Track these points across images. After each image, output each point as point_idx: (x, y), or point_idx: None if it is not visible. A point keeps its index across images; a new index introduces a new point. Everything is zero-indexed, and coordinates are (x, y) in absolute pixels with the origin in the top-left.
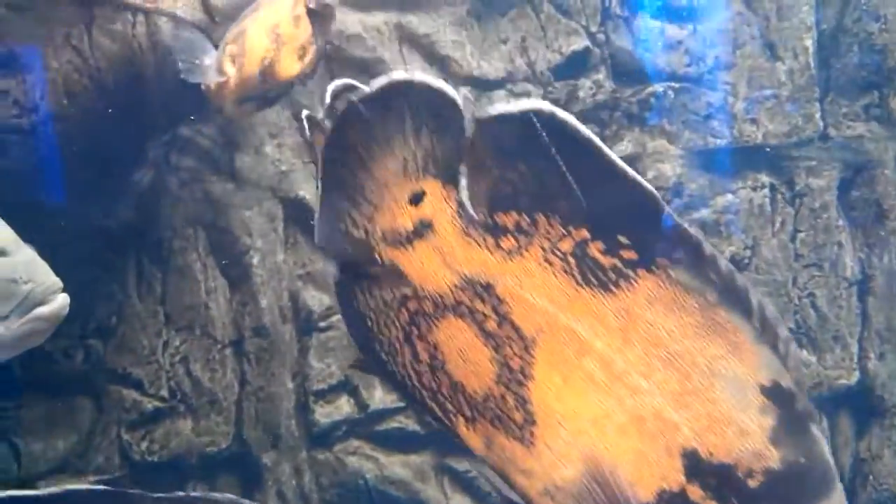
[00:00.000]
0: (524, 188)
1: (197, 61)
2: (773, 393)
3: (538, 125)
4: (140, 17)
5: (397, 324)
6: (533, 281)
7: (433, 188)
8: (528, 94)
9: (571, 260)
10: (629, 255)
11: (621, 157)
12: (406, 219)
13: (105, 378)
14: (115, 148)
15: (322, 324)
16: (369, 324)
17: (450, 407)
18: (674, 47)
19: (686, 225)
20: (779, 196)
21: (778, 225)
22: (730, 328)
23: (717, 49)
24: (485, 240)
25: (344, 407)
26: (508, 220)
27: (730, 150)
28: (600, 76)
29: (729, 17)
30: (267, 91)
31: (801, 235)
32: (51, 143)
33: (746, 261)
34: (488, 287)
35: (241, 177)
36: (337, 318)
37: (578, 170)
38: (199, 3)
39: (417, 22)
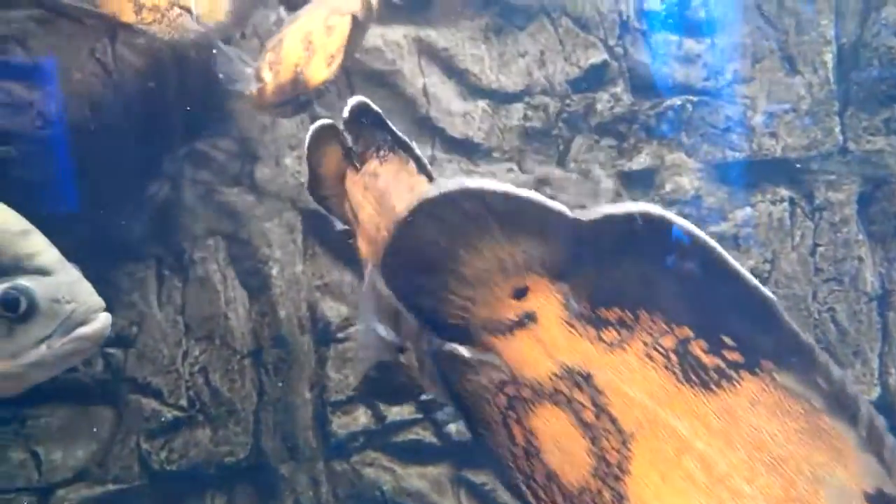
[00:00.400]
0: (628, 286)
1: (237, 71)
2: (877, 500)
3: (645, 228)
4: None
5: (495, 406)
6: (633, 375)
7: (538, 284)
8: (545, 107)
9: (673, 356)
10: (733, 356)
11: (639, 170)
12: (508, 311)
13: (125, 387)
14: (135, 159)
15: (340, 335)
16: (467, 402)
17: (543, 495)
18: (692, 61)
19: (799, 330)
20: (798, 210)
21: (797, 239)
22: (834, 434)
23: (735, 63)
24: (587, 331)
25: (361, 418)
26: (611, 314)
27: (748, 164)
28: (618, 89)
29: (747, 31)
30: (299, 95)
31: (820, 249)
32: (73, 154)
33: (766, 275)
34: (588, 377)
35: (261, 188)
36: (354, 329)
37: (685, 270)
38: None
39: (436, 36)
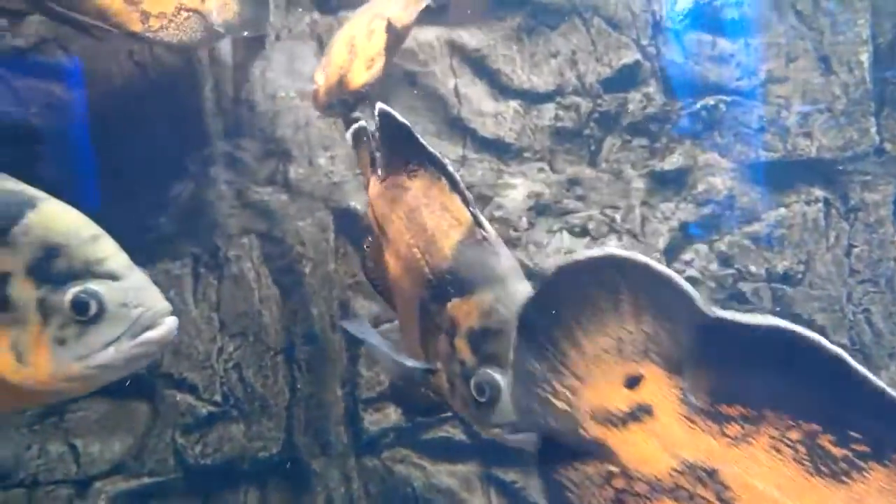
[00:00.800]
0: (751, 385)
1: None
2: None
3: (773, 338)
4: None
5: (600, 499)
6: (761, 468)
7: (654, 374)
8: (577, 107)
9: (801, 448)
10: (861, 448)
11: (671, 170)
12: (620, 401)
13: (161, 382)
14: (171, 159)
15: None
16: (569, 494)
17: None
18: (725, 60)
19: None
20: (833, 210)
21: (832, 240)
22: None
23: (769, 62)
24: (708, 426)
25: (392, 415)
26: (733, 410)
27: (783, 164)
28: (650, 89)
29: (782, 31)
30: (344, 97)
31: (855, 251)
32: (108, 152)
33: (800, 276)
34: (712, 473)
35: (294, 187)
36: (386, 327)
37: (810, 373)
38: None
39: (468, 37)
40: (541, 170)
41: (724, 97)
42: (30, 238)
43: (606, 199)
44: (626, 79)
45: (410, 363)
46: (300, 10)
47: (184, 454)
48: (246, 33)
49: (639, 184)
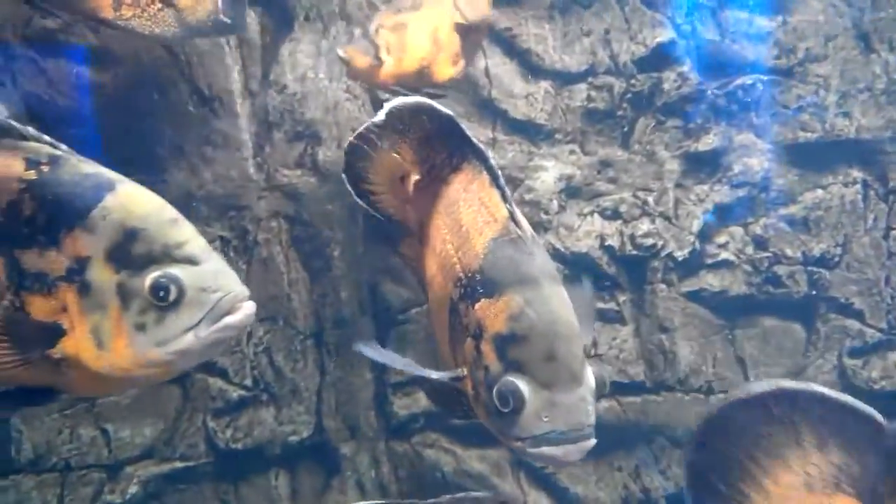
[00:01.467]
0: None
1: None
2: None
3: None
4: None
5: None
6: None
7: None
8: (609, 87)
9: None
10: None
11: (706, 151)
12: None
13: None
14: (196, 140)
15: (400, 317)
16: None
17: None
18: (763, 39)
19: None
20: (871, 192)
21: (870, 222)
22: None
23: (808, 41)
24: None
25: (421, 399)
26: None
27: (821, 145)
28: (685, 68)
29: (821, 8)
30: (420, 87)
31: (894, 233)
32: (137, 136)
33: (837, 258)
34: None
35: (323, 170)
36: (415, 311)
37: None
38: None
39: (498, 15)
40: (572, 152)
41: (762, 76)
42: (109, 222)
43: (639, 182)
44: (660, 58)
45: (436, 375)
46: None
47: (214, 438)
48: (222, 34)
49: (672, 165)
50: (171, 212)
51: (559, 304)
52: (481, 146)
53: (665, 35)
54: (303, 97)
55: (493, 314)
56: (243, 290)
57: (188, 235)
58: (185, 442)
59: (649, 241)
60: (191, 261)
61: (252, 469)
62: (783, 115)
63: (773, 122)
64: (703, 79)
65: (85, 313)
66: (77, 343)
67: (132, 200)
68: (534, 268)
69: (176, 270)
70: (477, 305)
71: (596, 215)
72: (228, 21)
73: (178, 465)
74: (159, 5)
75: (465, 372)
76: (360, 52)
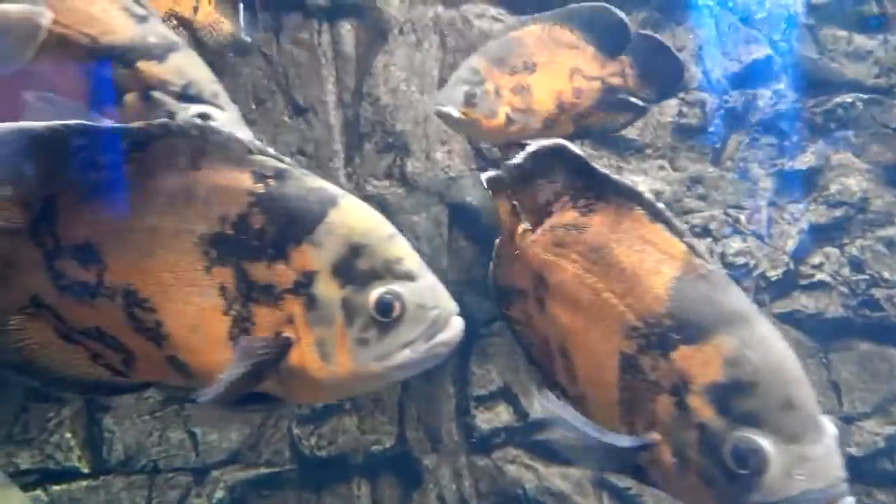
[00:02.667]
0: None
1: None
2: None
3: None
4: (325, 27)
5: None
6: None
7: None
8: (702, 103)
9: None
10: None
11: (802, 170)
12: None
13: None
14: (289, 149)
15: (483, 330)
16: None
17: None
18: (862, 57)
19: None
20: None
21: None
22: None
23: None
24: None
25: (503, 414)
26: None
27: None
28: (782, 85)
29: None
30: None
31: None
32: None
33: None
34: None
35: (411, 181)
36: (498, 324)
37: None
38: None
39: None
40: (661, 167)
41: (861, 95)
42: (334, 237)
43: (730, 199)
44: (755, 74)
45: (625, 441)
46: (424, 4)
47: (299, 445)
48: (240, 55)
49: (766, 183)
50: (389, 227)
51: (778, 341)
52: (626, 182)
53: (760, 52)
54: (394, 109)
55: (700, 362)
56: (455, 307)
57: (406, 251)
58: (271, 448)
59: (741, 260)
60: (409, 276)
61: (335, 477)
62: (884, 135)
63: (872, 141)
64: (800, 96)
65: (310, 326)
66: (302, 354)
67: (354, 215)
68: (738, 303)
69: (398, 287)
70: (674, 355)
71: None
72: (249, 41)
73: (263, 470)
74: (175, 23)
75: (658, 436)
76: (483, 114)
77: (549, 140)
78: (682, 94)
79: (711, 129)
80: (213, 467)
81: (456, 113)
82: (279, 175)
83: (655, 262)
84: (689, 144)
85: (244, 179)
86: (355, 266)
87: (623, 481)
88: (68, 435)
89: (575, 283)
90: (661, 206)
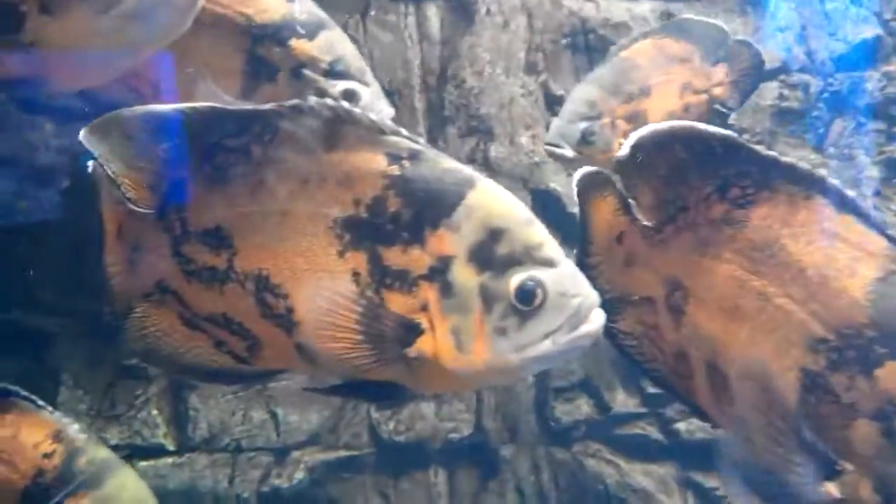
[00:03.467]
0: None
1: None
2: None
3: None
4: (411, 9)
5: None
6: None
7: None
8: (805, 85)
9: None
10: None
11: None
12: None
13: None
14: None
15: None
16: None
17: None
18: None
19: None
20: None
21: None
22: None
23: None
24: None
25: (583, 406)
26: None
27: None
28: (893, 67)
29: None
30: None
31: None
32: None
33: None
34: None
35: (494, 166)
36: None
37: None
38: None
39: (686, 9)
40: None
41: None
42: (472, 220)
43: None
44: (863, 55)
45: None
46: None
47: (378, 430)
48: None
49: (873, 171)
50: (526, 211)
51: None
52: (802, 165)
53: (870, 31)
54: (479, 92)
55: None
56: (597, 297)
57: (544, 236)
58: (350, 431)
59: None
60: (549, 263)
61: (412, 463)
62: None
63: None
64: None
65: (445, 313)
66: (435, 343)
67: (492, 198)
68: None
69: (539, 273)
70: (878, 372)
71: None
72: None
73: (343, 453)
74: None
75: (855, 468)
76: (599, 150)
77: (672, 122)
78: (782, 76)
79: (814, 113)
80: (293, 448)
81: (571, 154)
82: (414, 156)
83: (848, 260)
84: (790, 129)
85: (378, 161)
86: (494, 251)
87: (710, 481)
88: (155, 412)
89: (732, 287)
90: (850, 193)
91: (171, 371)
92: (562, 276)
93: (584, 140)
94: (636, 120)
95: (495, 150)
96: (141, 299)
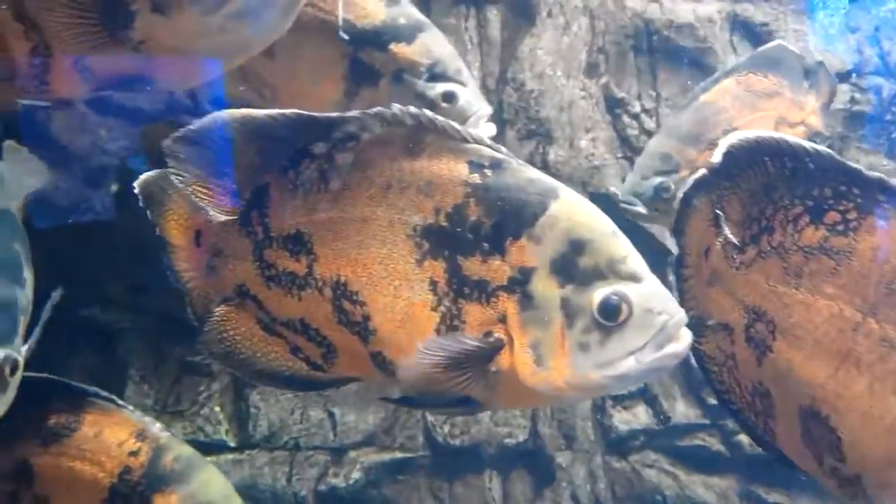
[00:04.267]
0: None
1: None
2: None
3: None
4: (472, 12)
5: None
6: None
7: None
8: (877, 88)
9: None
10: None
11: None
12: None
13: None
14: None
15: None
16: None
17: None
18: None
19: None
20: None
21: None
22: None
23: None
24: None
25: (642, 416)
26: None
27: None
28: None
29: None
30: None
31: None
32: None
33: None
34: None
35: (553, 169)
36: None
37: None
38: None
39: (754, 10)
40: None
41: None
42: (556, 231)
43: None
44: None
45: None
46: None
47: (433, 432)
48: None
49: None
50: (610, 223)
51: None
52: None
53: None
54: (539, 95)
55: None
56: (684, 315)
57: (629, 249)
58: (405, 433)
59: None
60: (635, 278)
61: (467, 468)
62: None
63: None
64: None
65: (525, 326)
66: (513, 357)
67: (576, 209)
68: None
69: (624, 288)
70: None
71: None
72: None
73: (398, 455)
74: None
75: None
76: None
77: (760, 131)
78: (854, 79)
79: (888, 117)
80: (349, 448)
81: (645, 211)
82: (496, 165)
83: None
84: (861, 134)
85: (460, 169)
86: (577, 263)
87: (772, 495)
88: (217, 408)
89: (840, 328)
90: None
91: (246, 375)
92: (648, 291)
93: (658, 196)
94: None
95: (554, 154)
96: (220, 303)
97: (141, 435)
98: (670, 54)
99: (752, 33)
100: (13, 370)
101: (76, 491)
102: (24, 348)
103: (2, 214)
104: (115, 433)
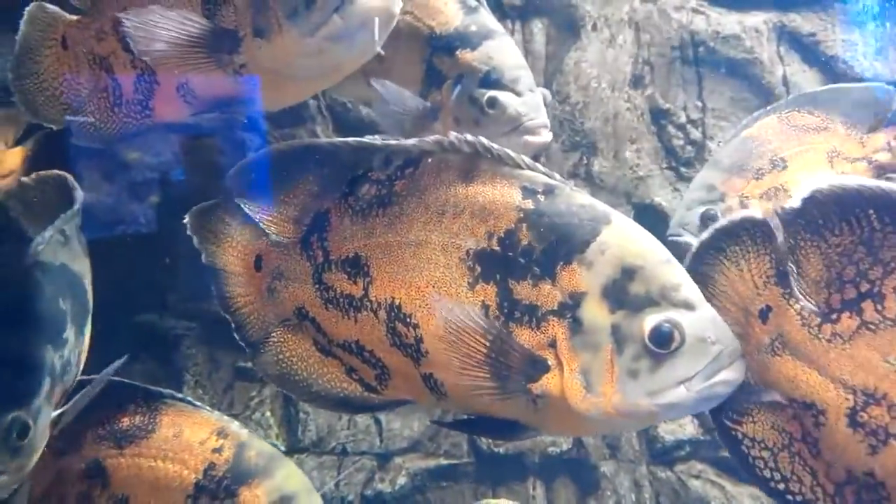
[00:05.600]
0: None
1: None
2: None
3: None
4: (517, 25)
5: None
6: None
7: None
8: None
9: None
10: None
11: None
12: None
13: None
14: None
15: None
16: None
17: None
18: None
19: None
20: None
21: None
22: None
23: None
24: None
25: (688, 426)
26: None
27: None
28: None
29: None
30: None
31: None
32: None
33: None
34: None
35: (597, 181)
36: None
37: None
38: None
39: (801, 21)
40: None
41: None
42: (607, 257)
43: None
44: None
45: None
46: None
47: (477, 440)
48: None
49: None
50: (664, 250)
51: None
52: None
53: None
54: (584, 107)
55: None
56: (738, 346)
57: (683, 277)
58: (449, 440)
59: None
60: (688, 306)
61: (511, 475)
62: None
63: None
64: None
65: (575, 352)
66: (562, 382)
67: (628, 235)
68: None
69: (676, 315)
70: None
71: None
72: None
73: (443, 461)
74: None
75: None
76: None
77: (863, 179)
78: None
79: None
80: (395, 454)
81: (692, 240)
82: (549, 191)
83: None
84: None
85: (513, 195)
86: (628, 290)
87: None
88: (268, 413)
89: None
90: None
91: (301, 396)
92: (701, 320)
93: (703, 225)
94: (778, 195)
95: (598, 165)
96: (278, 325)
97: (222, 433)
98: (716, 65)
99: (800, 44)
100: (21, 434)
101: (159, 489)
102: (55, 413)
103: (59, 270)
104: (195, 432)
